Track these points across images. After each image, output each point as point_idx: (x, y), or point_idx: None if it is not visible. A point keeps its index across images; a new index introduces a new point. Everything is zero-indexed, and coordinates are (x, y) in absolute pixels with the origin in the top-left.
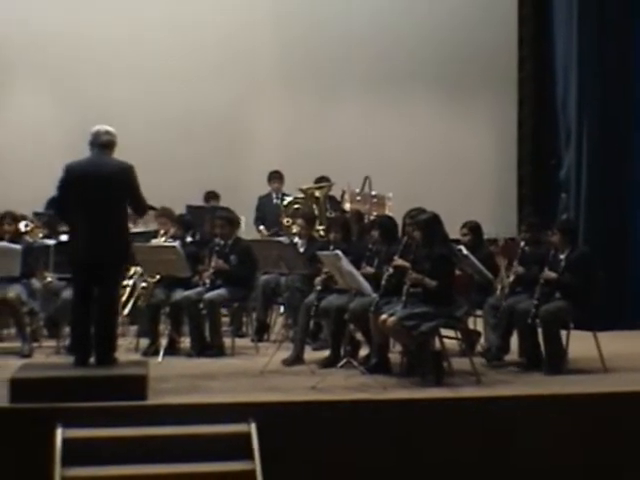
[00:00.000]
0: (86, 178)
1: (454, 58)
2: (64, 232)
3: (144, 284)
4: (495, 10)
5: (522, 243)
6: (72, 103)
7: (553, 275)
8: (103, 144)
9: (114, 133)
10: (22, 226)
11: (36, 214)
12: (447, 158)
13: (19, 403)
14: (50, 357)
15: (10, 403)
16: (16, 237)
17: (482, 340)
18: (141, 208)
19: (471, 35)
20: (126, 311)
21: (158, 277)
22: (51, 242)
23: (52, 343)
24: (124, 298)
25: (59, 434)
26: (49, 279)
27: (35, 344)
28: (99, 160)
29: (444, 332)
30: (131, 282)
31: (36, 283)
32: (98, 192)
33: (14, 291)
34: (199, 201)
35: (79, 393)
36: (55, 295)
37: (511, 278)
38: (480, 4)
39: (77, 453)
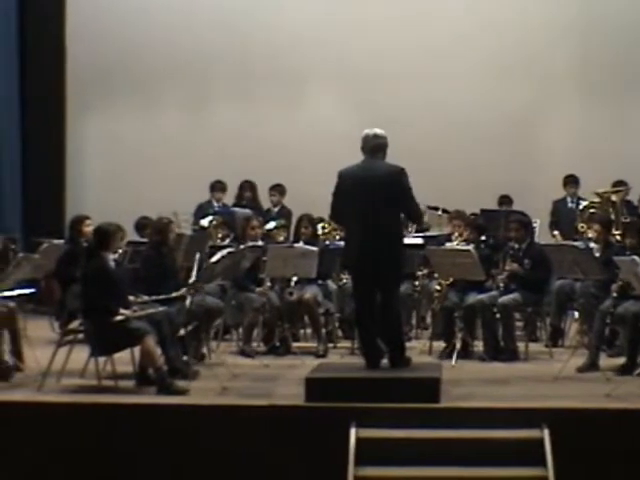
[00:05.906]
0: (356, 183)
1: None
2: None
3: (438, 287)
4: None
5: None
6: (363, 106)
7: None
8: (372, 148)
9: (383, 135)
10: (319, 228)
11: None
12: None
13: (314, 402)
14: (345, 358)
15: (306, 402)
16: (313, 239)
17: None
18: (414, 213)
19: None
20: None
21: (451, 280)
22: None
23: (347, 344)
24: None
25: (353, 433)
26: (344, 281)
27: (330, 345)
28: (369, 165)
29: None
30: None
31: (332, 285)
32: (368, 197)
33: (311, 292)
34: (492, 205)
35: (372, 394)
36: (350, 297)
37: None
38: None
39: (370, 453)
